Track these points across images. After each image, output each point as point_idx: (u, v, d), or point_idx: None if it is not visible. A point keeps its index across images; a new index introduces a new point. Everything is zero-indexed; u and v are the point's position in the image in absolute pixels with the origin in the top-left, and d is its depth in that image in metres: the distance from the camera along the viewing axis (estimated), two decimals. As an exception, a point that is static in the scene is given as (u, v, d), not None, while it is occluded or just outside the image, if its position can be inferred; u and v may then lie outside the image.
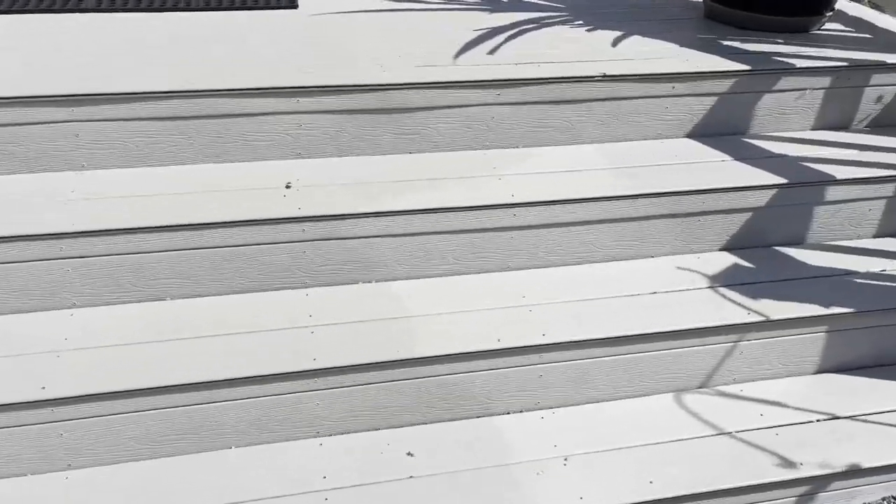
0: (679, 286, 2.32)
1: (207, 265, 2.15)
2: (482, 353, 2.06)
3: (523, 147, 2.53)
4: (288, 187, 2.27)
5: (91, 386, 1.88)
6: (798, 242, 2.54)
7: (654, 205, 2.37)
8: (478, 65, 2.51)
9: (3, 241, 2.03)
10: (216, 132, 2.32)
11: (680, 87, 2.56)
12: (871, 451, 2.10)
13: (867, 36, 2.95)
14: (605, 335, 2.13)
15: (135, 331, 2.05)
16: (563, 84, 2.48)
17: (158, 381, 1.91)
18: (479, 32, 2.78)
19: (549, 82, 2.47)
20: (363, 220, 2.20)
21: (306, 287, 2.24)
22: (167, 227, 2.10)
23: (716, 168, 2.48)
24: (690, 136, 2.64)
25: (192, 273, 2.15)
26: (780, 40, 2.83)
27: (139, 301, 2.15)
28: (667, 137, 2.63)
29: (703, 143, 2.61)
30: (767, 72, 2.59)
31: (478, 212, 2.26)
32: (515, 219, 2.29)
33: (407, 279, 2.29)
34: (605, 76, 2.49)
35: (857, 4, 3.22)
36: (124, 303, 2.14)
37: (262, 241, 2.16)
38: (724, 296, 2.29)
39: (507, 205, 2.28)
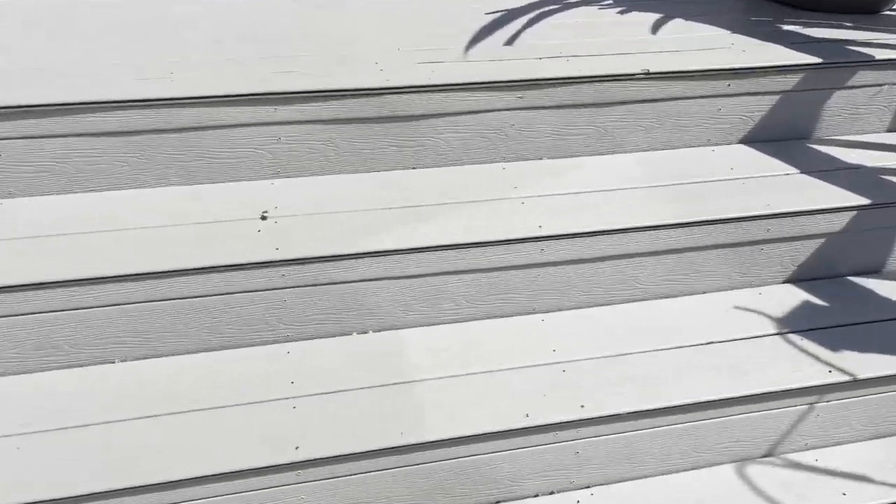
0: (740, 332, 1.91)
1: (164, 320, 1.74)
2: (507, 432, 1.67)
3: (549, 159, 2.11)
4: (264, 218, 1.85)
5: (17, 496, 1.48)
6: (875, 271, 2.13)
7: (710, 233, 1.95)
8: (494, 60, 2.07)
9: None
10: (175, 149, 1.89)
11: (736, 85, 2.12)
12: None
13: (945, 17, 2.51)
14: (655, 405, 1.73)
15: (72, 408, 1.64)
16: (598, 84, 2.04)
17: (103, 483, 1.51)
18: (493, 16, 2.33)
19: (581, 81, 2.03)
20: (355, 261, 1.79)
21: (287, 342, 1.83)
22: (113, 277, 1.68)
23: (781, 185, 2.06)
24: (745, 141, 2.22)
25: (146, 330, 1.74)
26: (847, 24, 2.39)
27: (81, 365, 1.74)
28: (718, 144, 2.20)
29: (763, 150, 2.19)
30: (842, 65, 2.15)
31: (498, 247, 1.85)
32: (543, 254, 1.88)
33: (411, 328, 1.89)
34: (648, 74, 2.06)
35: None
36: (61, 368, 1.73)
37: (231, 290, 1.75)
38: (795, 345, 1.88)
39: (532, 238, 1.86)
